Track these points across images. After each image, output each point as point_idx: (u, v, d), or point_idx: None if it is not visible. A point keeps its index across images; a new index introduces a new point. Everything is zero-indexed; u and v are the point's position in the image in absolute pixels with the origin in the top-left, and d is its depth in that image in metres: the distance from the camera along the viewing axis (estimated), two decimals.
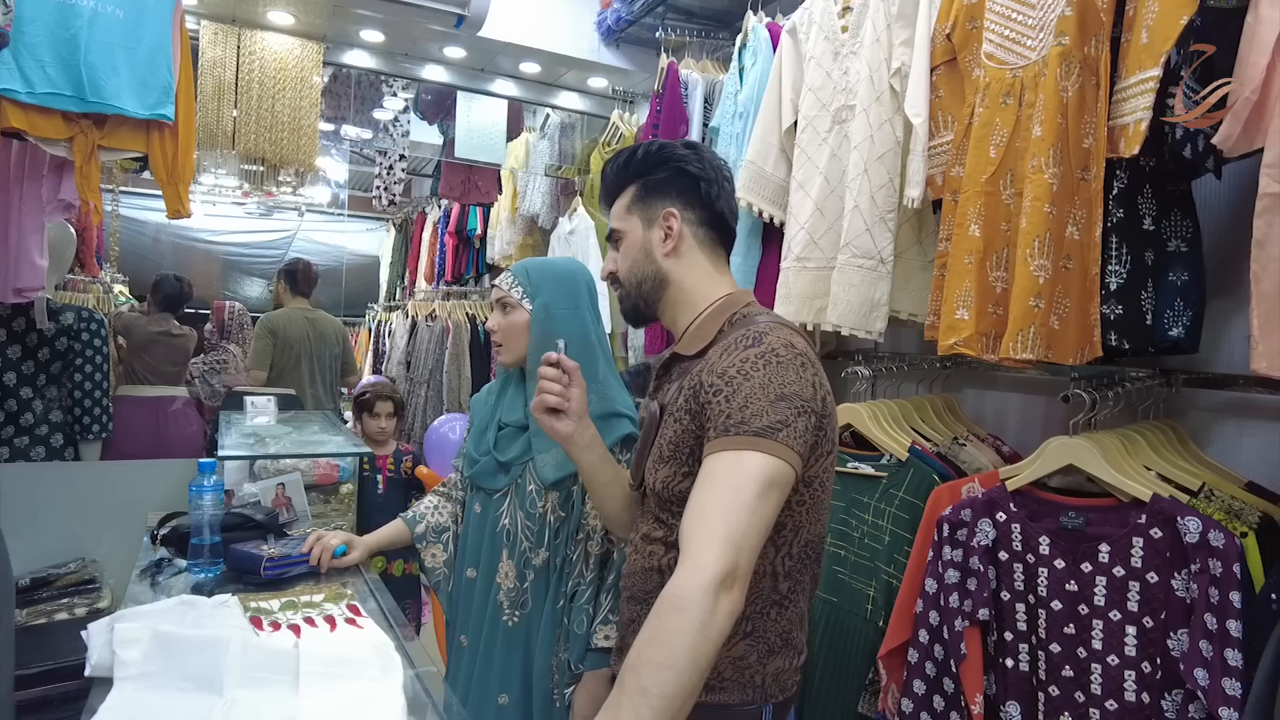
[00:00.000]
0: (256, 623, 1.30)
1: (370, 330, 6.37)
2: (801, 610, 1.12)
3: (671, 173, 1.17)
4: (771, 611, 1.06)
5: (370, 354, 6.18)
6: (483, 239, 4.64)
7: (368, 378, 5.10)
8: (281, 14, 2.89)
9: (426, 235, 5.67)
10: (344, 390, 4.36)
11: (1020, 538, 1.39)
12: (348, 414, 4.09)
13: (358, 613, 1.36)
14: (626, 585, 1.19)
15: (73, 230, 3.32)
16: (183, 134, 2.46)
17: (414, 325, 5.01)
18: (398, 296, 6.38)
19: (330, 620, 1.33)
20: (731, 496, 0.91)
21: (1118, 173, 1.29)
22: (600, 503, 1.32)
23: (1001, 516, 1.42)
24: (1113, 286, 1.29)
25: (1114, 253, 1.29)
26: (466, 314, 4.67)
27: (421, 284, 5.64)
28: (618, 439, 1.49)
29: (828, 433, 1.05)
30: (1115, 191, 1.29)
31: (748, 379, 0.98)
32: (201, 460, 1.66)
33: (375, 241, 7.22)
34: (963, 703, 1.40)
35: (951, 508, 1.48)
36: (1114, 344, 1.29)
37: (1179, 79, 1.22)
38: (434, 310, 4.77)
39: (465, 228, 4.70)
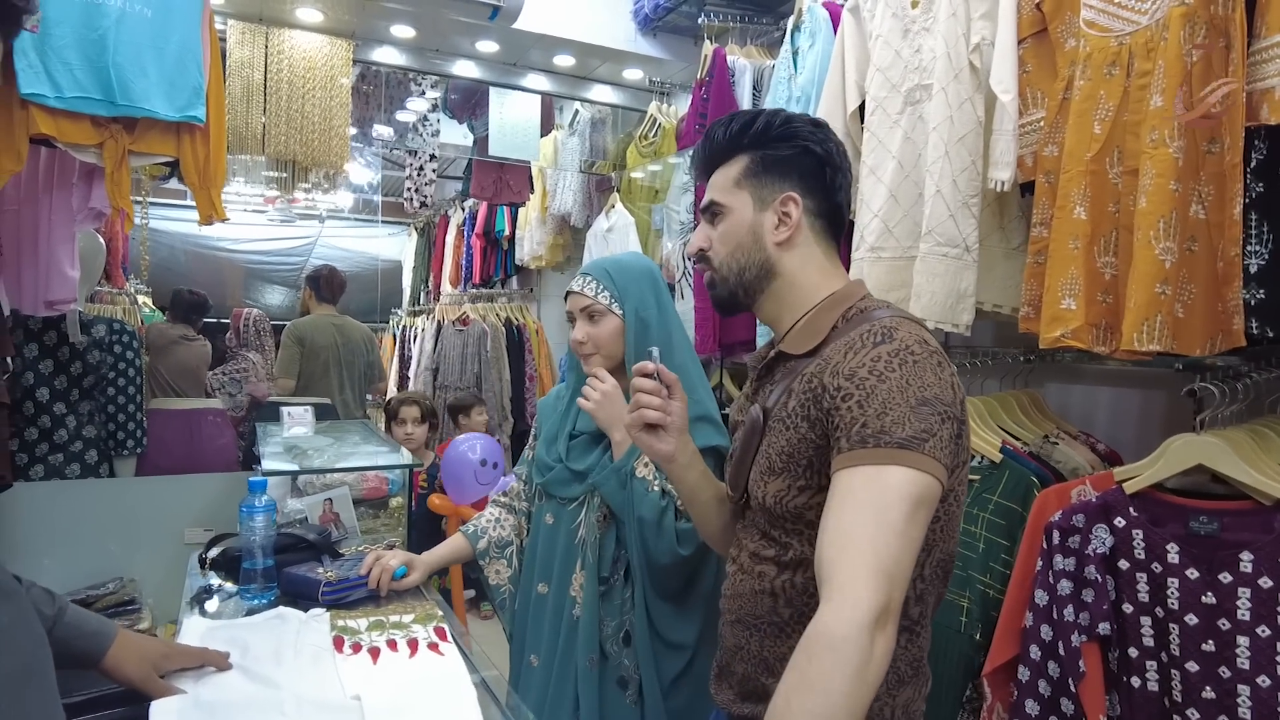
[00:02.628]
0: (338, 643, 1.24)
1: (395, 336, 6.30)
2: (930, 634, 1.01)
3: (797, 151, 1.04)
4: (902, 638, 0.95)
5: (396, 360, 6.11)
6: (511, 240, 4.55)
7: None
8: (310, 10, 2.81)
9: (450, 238, 5.59)
10: (369, 397, 4.29)
11: (1143, 545, 1.28)
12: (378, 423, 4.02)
13: (443, 637, 1.28)
14: (730, 608, 1.08)
15: (102, 240, 3.26)
16: (214, 136, 2.38)
17: (440, 330, 4.93)
18: (422, 301, 6.31)
19: (413, 644, 1.24)
20: (878, 519, 0.80)
21: (1256, 143, 1.18)
22: (702, 522, 1.21)
23: (1120, 522, 1.31)
24: (1253, 269, 1.17)
25: (1253, 232, 1.17)
26: (499, 316, 4.59)
27: (446, 287, 5.56)
28: (702, 448, 1.39)
29: (964, 440, 0.94)
30: (1254, 164, 1.17)
31: (883, 381, 0.87)
32: (252, 479, 1.57)
33: (397, 246, 7.16)
34: None
35: (1061, 513, 1.37)
36: (1255, 331, 1.18)
37: None
38: (464, 314, 4.69)
39: (493, 229, 4.62)
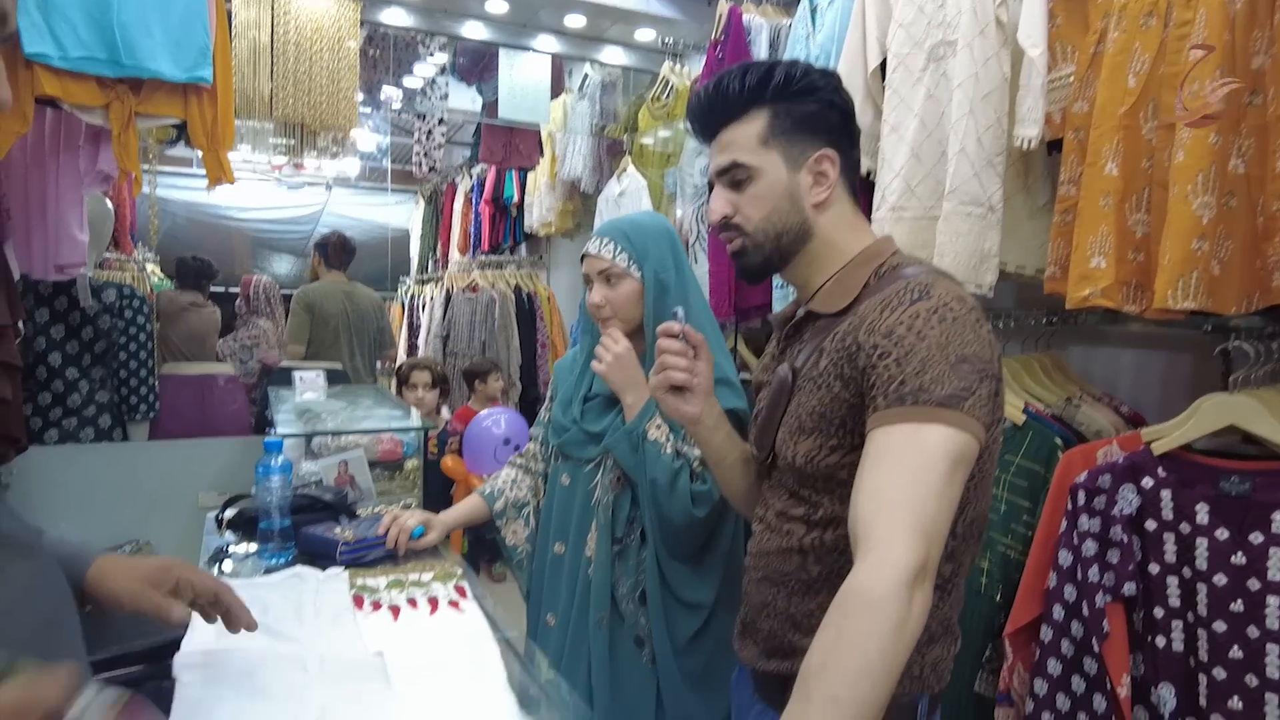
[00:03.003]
0: (358, 601, 1.23)
1: (403, 305, 6.28)
2: (962, 594, 1.00)
3: (822, 106, 0.99)
4: (934, 596, 0.94)
5: (405, 328, 6.09)
6: (520, 207, 4.50)
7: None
8: None
9: (458, 206, 5.54)
10: (380, 364, 4.28)
11: (1171, 505, 1.26)
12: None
13: (463, 594, 1.28)
14: (756, 565, 1.07)
15: (110, 205, 3.24)
16: (221, 97, 2.35)
17: (449, 298, 4.91)
18: (430, 269, 6.27)
19: (433, 602, 1.24)
20: (916, 478, 0.78)
21: None
22: (728, 484, 1.19)
23: (1148, 482, 1.29)
24: None
25: None
26: (508, 284, 4.56)
27: (455, 255, 5.52)
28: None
29: (1000, 398, 0.92)
30: None
31: (921, 338, 0.85)
32: (268, 440, 1.56)
33: (404, 214, 7.11)
34: (1107, 684, 1.28)
35: (1087, 474, 1.35)
36: None
37: None
38: (473, 281, 4.66)
39: (502, 196, 4.57)
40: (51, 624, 0.65)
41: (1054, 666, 1.35)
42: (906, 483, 0.78)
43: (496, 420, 2.83)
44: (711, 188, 1.07)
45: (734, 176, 1.01)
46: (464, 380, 3.67)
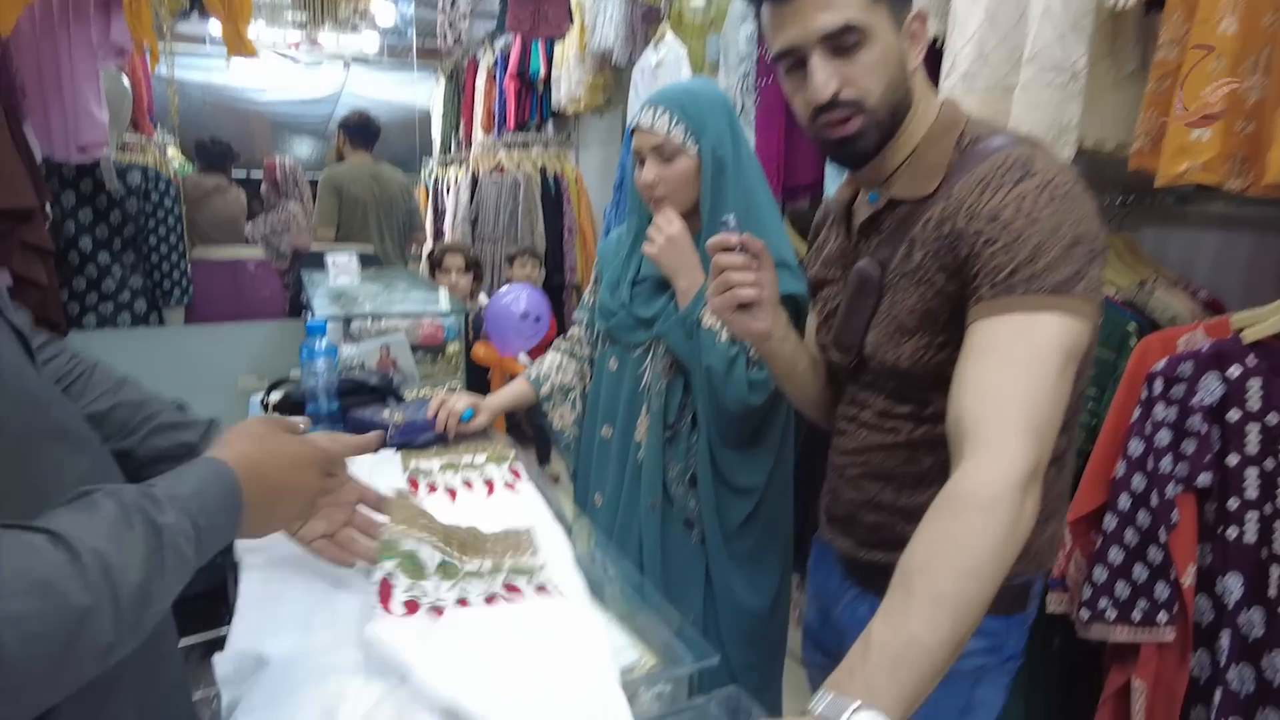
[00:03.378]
0: (413, 484, 1.22)
1: (428, 188, 6.14)
2: (1073, 465, 0.97)
3: None
4: (1050, 470, 0.89)
5: (430, 212, 5.98)
6: (546, 82, 4.30)
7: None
8: None
9: (481, 82, 5.32)
10: (409, 249, 4.21)
11: (1260, 395, 1.20)
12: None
13: (518, 476, 1.26)
14: (854, 463, 1.03)
15: (128, 84, 3.12)
16: None
17: (476, 180, 4.77)
18: (453, 150, 6.10)
19: (489, 484, 1.23)
20: (1030, 373, 0.73)
21: None
22: (802, 391, 1.12)
23: (1234, 371, 1.22)
24: None
25: None
26: (535, 165, 4.41)
27: (479, 135, 5.34)
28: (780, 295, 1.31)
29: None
30: None
31: (1033, 222, 0.78)
32: (310, 322, 1.53)
33: (425, 93, 6.87)
34: (1171, 573, 1.26)
35: (1166, 361, 1.29)
36: None
37: None
38: (499, 162, 4.52)
39: (527, 70, 4.36)
40: None
41: (1115, 555, 1.33)
42: (1018, 379, 0.73)
43: (516, 297, 2.77)
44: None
45: (842, 41, 0.85)
46: (507, 263, 3.60)
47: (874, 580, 1.02)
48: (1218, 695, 1.22)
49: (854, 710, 0.57)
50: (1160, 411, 1.28)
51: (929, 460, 0.94)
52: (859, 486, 1.02)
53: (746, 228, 1.40)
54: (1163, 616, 1.27)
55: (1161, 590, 1.27)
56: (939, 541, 0.69)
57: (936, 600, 0.65)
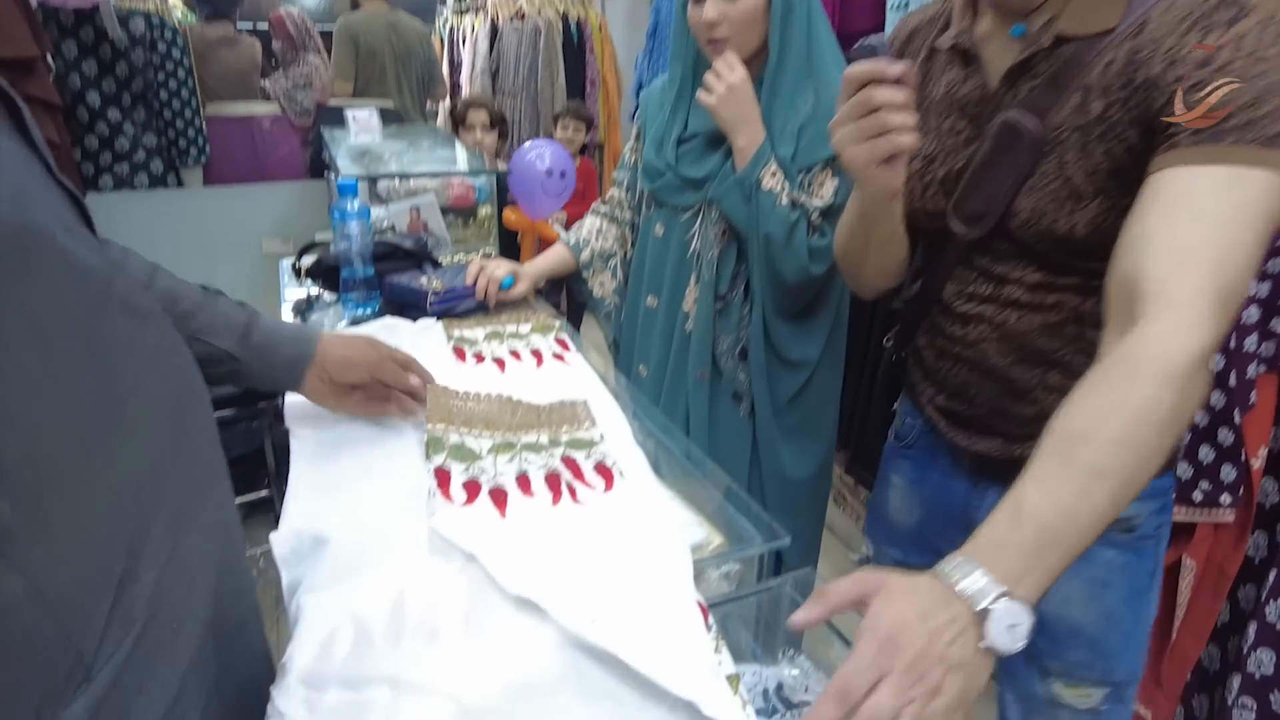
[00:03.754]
0: (459, 354, 1.18)
1: (443, 39, 5.80)
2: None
3: None
4: None
5: (446, 65, 5.68)
6: None
7: None
8: None
9: None
10: (427, 103, 4.01)
11: None
12: None
13: (565, 346, 1.22)
14: (1005, 350, 0.90)
15: None
16: None
17: (495, 28, 4.49)
18: None
19: (537, 355, 1.18)
20: (1228, 236, 0.64)
21: None
22: (885, 259, 0.98)
23: None
24: None
25: None
26: (556, 10, 4.13)
27: None
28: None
29: None
30: None
31: (1258, 61, 0.66)
32: (341, 181, 1.45)
33: None
34: (1241, 455, 1.22)
35: None
36: None
37: None
38: (520, 8, 4.23)
39: None
40: (185, 392, 0.60)
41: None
42: (1218, 240, 0.64)
43: (540, 153, 2.62)
44: None
45: None
46: (551, 122, 3.40)
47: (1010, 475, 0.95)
48: (1272, 575, 1.20)
49: (997, 597, 0.54)
50: (1250, 285, 1.20)
51: (1095, 332, 0.78)
52: (1019, 372, 0.90)
53: (814, 77, 1.27)
54: (1226, 498, 1.24)
55: (1228, 472, 1.23)
56: (1110, 411, 0.62)
57: (1099, 474, 0.59)
